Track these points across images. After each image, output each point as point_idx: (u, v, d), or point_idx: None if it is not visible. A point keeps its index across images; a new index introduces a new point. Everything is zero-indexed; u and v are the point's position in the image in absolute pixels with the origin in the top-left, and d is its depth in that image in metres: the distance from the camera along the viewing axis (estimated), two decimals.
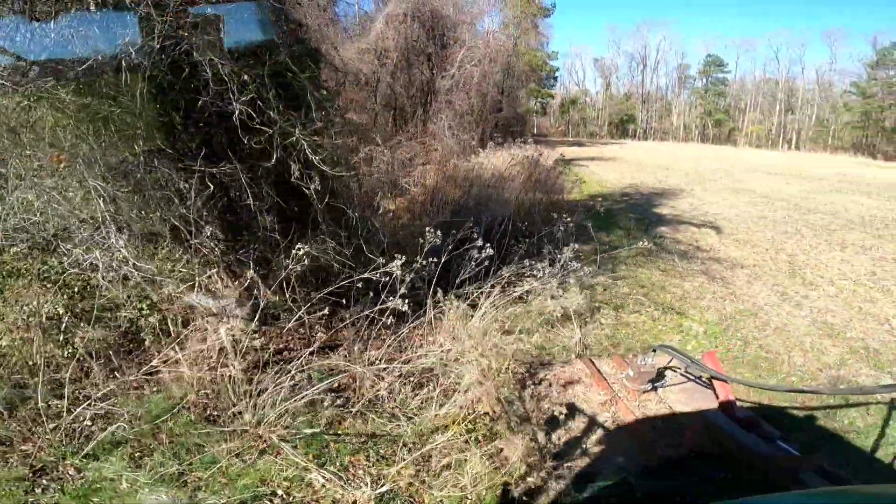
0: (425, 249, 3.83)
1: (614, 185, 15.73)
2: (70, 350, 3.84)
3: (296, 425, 3.16)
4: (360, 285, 3.89)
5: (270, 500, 2.72)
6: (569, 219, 4.82)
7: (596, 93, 52.14)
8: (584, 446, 3.18)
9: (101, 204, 2.93)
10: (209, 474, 2.83)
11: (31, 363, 3.75)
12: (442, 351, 4.31)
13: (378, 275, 3.61)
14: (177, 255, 4.01)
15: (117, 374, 3.85)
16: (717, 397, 3.45)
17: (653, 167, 22.13)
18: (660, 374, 3.85)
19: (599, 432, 3.31)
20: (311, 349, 3.86)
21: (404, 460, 2.94)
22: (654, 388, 3.77)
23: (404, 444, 3.14)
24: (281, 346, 4.29)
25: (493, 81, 16.72)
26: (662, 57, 50.63)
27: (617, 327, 4.99)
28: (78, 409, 3.12)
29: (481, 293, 4.72)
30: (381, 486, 2.74)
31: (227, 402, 3.39)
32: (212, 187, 3.03)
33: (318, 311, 3.62)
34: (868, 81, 37.16)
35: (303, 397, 3.28)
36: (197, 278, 3.97)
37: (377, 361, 4.04)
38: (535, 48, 24.66)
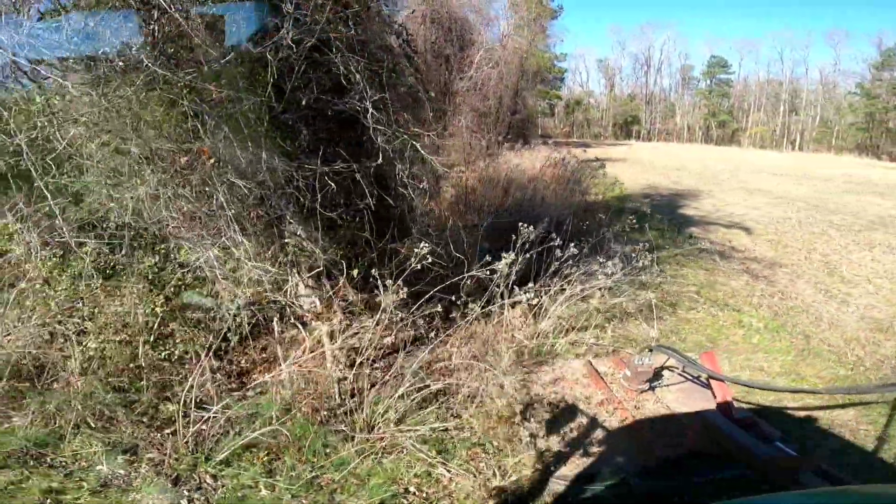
0: (517, 245, 4.01)
1: (631, 186, 15.95)
2: (167, 351, 3.94)
3: (411, 422, 3.31)
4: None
5: (405, 499, 2.82)
6: (633, 219, 5.02)
7: (600, 94, 52.92)
8: (582, 446, 3.21)
9: (225, 203, 3.08)
10: (341, 476, 2.92)
11: (131, 365, 3.81)
12: (519, 346, 4.51)
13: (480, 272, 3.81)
14: (268, 255, 4.16)
15: (216, 376, 3.97)
16: (715, 397, 3.49)
17: (663, 168, 22.45)
18: (657, 374, 3.90)
19: (597, 432, 3.36)
20: (405, 347, 4.03)
21: (521, 452, 3.11)
22: (652, 389, 3.81)
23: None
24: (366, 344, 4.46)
25: (509, 83, 16.95)
26: (666, 58, 51.37)
27: (678, 323, 5.20)
28: (208, 414, 3.21)
29: (548, 291, 4.93)
30: (509, 476, 2.90)
31: (335, 402, 3.52)
32: (333, 185, 3.18)
33: (419, 310, 3.79)
34: (872, 82, 37.86)
35: (411, 395, 3.44)
36: (290, 279, 4.14)
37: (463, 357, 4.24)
38: (543, 50, 24.95)
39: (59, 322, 4.08)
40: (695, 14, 77.18)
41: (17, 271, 4.30)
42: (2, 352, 3.84)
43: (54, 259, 3.77)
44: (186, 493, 2.83)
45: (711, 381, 3.56)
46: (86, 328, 4.06)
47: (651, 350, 4.01)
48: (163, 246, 4.02)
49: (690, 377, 3.90)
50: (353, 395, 3.54)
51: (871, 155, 35.78)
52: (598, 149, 33.51)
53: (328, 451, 3.14)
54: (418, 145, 3.32)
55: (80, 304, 4.15)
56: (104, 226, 3.93)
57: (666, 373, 3.98)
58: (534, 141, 12.81)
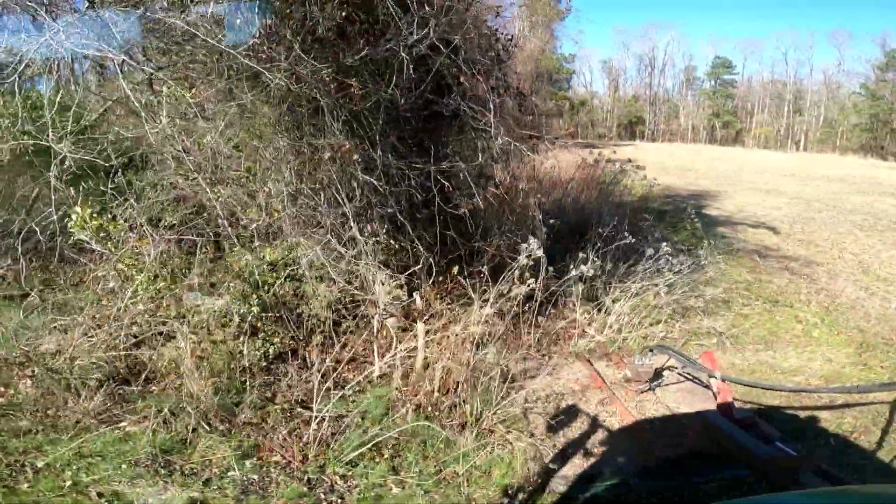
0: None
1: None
2: (262, 350, 4.06)
3: (515, 423, 3.51)
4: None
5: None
6: (695, 218, 5.28)
7: (604, 94, 53.53)
8: (582, 446, 3.28)
9: (344, 200, 3.30)
10: (465, 469, 3.06)
11: (232, 365, 3.91)
12: (592, 339, 4.76)
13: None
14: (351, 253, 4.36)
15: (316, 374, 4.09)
16: (716, 398, 3.57)
17: (675, 169, 22.78)
18: (657, 374, 3.98)
19: (598, 432, 3.43)
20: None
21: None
22: (652, 389, 3.89)
23: None
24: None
25: (525, 84, 17.25)
26: (670, 59, 52.12)
27: (736, 319, 5.45)
28: (323, 414, 3.33)
29: (611, 288, 5.21)
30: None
31: (434, 397, 3.69)
32: (447, 183, 3.42)
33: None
34: (876, 83, 38.65)
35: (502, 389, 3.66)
36: (374, 277, 4.35)
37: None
38: (552, 52, 25.38)
39: (162, 322, 4.24)
40: (699, 15, 78.22)
41: (106, 270, 4.49)
42: (98, 354, 3.96)
43: (164, 256, 3.91)
44: (322, 495, 2.91)
45: (712, 382, 3.62)
46: (177, 329, 4.18)
47: (652, 350, 4.10)
48: (256, 244, 4.20)
49: (691, 378, 3.97)
50: (452, 390, 3.75)
51: (876, 155, 36.41)
52: (605, 150, 33.78)
53: (444, 445, 3.27)
54: (524, 147, 3.56)
55: (169, 303, 4.29)
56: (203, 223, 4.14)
57: (666, 373, 4.06)
58: (558, 142, 12.97)
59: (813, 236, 10.01)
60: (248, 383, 3.81)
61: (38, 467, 2.95)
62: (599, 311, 5.07)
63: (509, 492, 2.97)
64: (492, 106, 3.26)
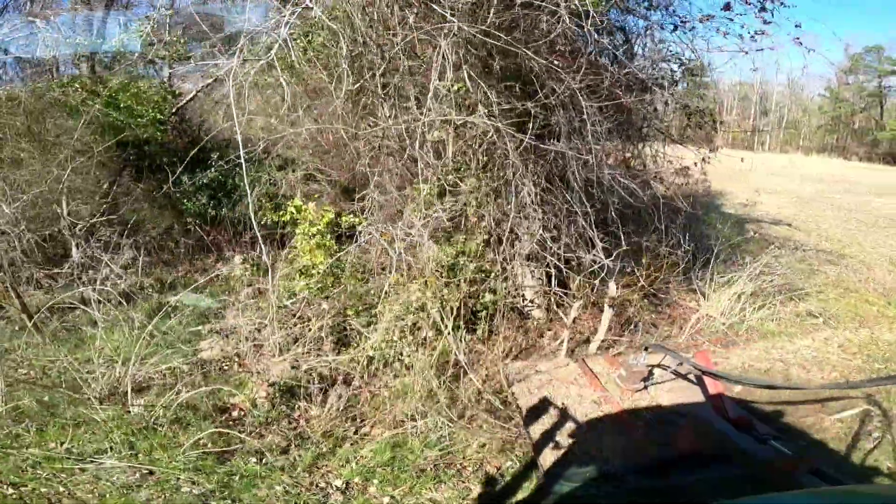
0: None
1: None
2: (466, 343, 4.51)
3: None
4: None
5: None
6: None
7: None
8: (576, 445, 3.42)
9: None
10: None
11: (439, 361, 4.18)
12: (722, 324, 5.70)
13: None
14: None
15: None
16: (710, 396, 3.76)
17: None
18: (652, 373, 4.18)
19: (592, 431, 3.60)
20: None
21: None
22: (646, 387, 4.08)
23: None
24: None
25: None
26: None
27: (819, 302, 6.54)
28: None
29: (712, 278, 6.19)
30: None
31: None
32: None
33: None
34: (839, 86, 42.54)
35: None
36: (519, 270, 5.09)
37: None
38: None
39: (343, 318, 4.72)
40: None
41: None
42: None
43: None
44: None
45: (706, 380, 3.83)
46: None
47: (647, 349, 4.28)
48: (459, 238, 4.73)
49: (684, 376, 4.14)
50: None
51: (839, 155, 39.95)
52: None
53: None
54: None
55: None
56: None
57: (661, 372, 4.23)
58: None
59: (829, 232, 11.44)
60: (458, 377, 4.23)
61: (339, 487, 3.15)
62: (705, 298, 6.03)
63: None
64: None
